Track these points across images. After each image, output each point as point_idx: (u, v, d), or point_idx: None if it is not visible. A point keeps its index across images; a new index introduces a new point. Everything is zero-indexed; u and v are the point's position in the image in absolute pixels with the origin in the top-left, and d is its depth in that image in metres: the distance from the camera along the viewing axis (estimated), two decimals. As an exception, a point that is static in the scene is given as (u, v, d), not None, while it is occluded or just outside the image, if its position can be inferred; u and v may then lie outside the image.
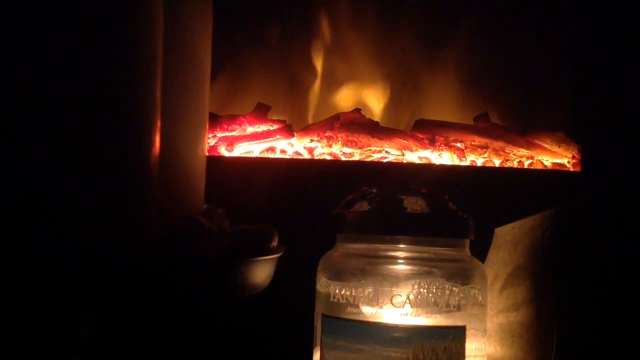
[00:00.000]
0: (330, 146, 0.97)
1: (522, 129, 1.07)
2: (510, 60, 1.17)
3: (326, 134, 0.98)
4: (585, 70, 1.10)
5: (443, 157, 0.99)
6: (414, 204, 0.56)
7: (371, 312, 0.54)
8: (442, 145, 0.99)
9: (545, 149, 1.04)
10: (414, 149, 0.99)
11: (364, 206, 0.58)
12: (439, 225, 0.56)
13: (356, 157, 0.97)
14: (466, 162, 0.98)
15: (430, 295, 0.54)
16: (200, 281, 0.52)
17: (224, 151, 0.97)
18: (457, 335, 0.53)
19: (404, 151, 0.98)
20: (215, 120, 0.99)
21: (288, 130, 1.00)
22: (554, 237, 0.63)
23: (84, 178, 0.48)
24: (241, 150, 0.98)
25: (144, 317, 0.63)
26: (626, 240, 0.62)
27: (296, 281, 0.64)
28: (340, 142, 0.97)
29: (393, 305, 0.54)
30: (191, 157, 0.63)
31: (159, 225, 0.53)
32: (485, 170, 0.97)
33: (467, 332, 0.54)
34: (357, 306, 0.55)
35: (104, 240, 0.49)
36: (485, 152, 1.01)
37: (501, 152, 1.01)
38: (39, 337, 0.52)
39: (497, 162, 1.01)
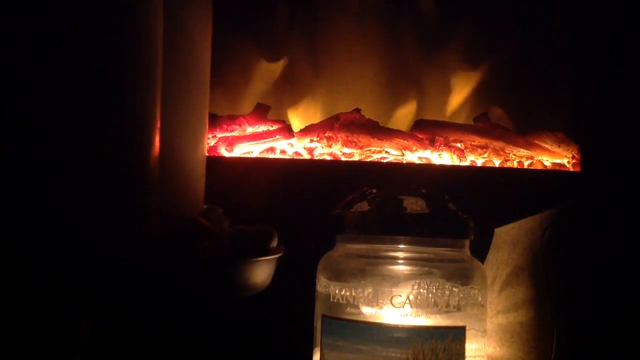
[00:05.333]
0: (330, 146, 0.97)
1: (522, 129, 1.07)
2: (510, 61, 1.17)
3: (326, 134, 0.98)
4: (585, 70, 1.10)
5: (443, 158, 0.99)
6: (413, 204, 0.56)
7: (371, 313, 0.54)
8: (442, 145, 0.99)
9: (545, 149, 1.04)
10: (414, 149, 0.99)
11: (364, 206, 0.58)
12: (438, 226, 0.56)
13: (356, 158, 0.97)
14: (466, 163, 0.98)
15: (430, 295, 0.54)
16: (200, 281, 0.52)
17: (223, 151, 0.97)
18: (456, 335, 0.53)
19: (403, 151, 0.98)
20: (215, 121, 0.99)
21: (288, 130, 1.00)
22: (553, 237, 0.63)
23: (84, 178, 0.48)
24: (241, 150, 0.98)
25: (144, 317, 0.63)
26: (626, 240, 0.62)
27: (296, 281, 0.64)
28: (340, 143, 0.97)
29: (393, 305, 0.54)
30: (191, 157, 0.63)
31: (159, 225, 0.53)
32: (485, 171, 0.97)
33: (467, 333, 0.54)
34: (357, 307, 0.55)
35: (104, 240, 0.49)
36: (485, 152, 1.01)
37: (501, 152, 1.01)
38: (40, 338, 0.52)
39: (497, 163, 1.01)
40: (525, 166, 1.01)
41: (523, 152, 1.02)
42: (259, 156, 0.97)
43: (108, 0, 0.50)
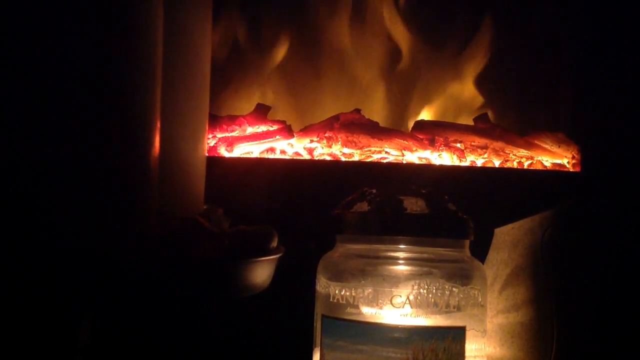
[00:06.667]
0: (330, 146, 0.97)
1: (522, 129, 1.07)
2: (510, 61, 1.17)
3: (326, 135, 0.98)
4: (585, 70, 1.10)
5: (443, 158, 0.99)
6: (413, 205, 0.56)
7: (371, 313, 0.54)
8: (442, 145, 0.99)
9: (545, 150, 1.04)
10: (414, 149, 0.99)
11: (364, 207, 0.58)
12: (438, 226, 0.56)
13: (356, 158, 0.97)
14: (466, 163, 0.98)
15: (430, 295, 0.54)
16: (200, 281, 0.52)
17: (223, 152, 0.97)
18: (456, 335, 0.53)
19: (403, 151, 0.98)
20: (215, 121, 0.99)
21: (288, 130, 1.00)
22: (553, 237, 0.63)
23: (84, 178, 0.48)
24: (241, 150, 0.98)
25: (144, 317, 0.63)
26: (626, 240, 0.62)
27: (296, 281, 0.64)
28: (340, 143, 0.97)
29: (393, 305, 0.54)
30: (191, 157, 0.63)
31: (158, 226, 0.53)
32: (485, 171, 0.97)
33: (467, 333, 0.54)
34: (357, 307, 0.55)
35: (103, 240, 0.49)
36: (485, 152, 1.01)
37: (501, 153, 1.01)
38: (40, 338, 0.52)
39: (497, 163, 1.01)
40: (525, 166, 1.01)
41: (523, 152, 1.02)
42: (259, 156, 0.97)
43: (108, 0, 0.50)
